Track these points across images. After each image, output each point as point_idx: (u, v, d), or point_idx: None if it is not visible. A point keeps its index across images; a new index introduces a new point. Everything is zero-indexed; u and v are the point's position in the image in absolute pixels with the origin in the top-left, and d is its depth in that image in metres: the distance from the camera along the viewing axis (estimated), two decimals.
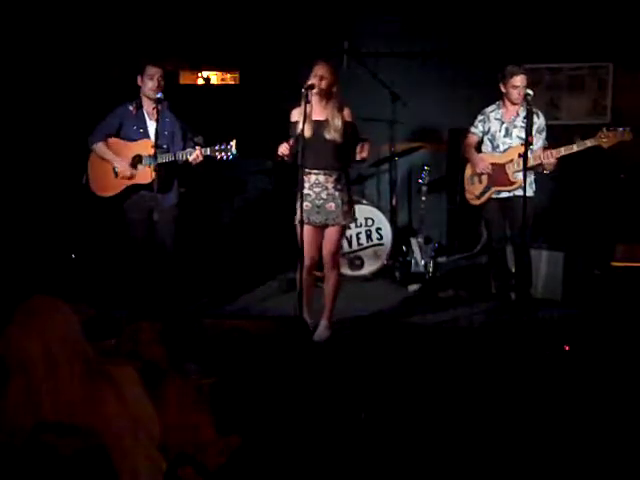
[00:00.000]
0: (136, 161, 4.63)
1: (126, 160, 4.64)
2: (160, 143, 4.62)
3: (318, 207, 4.40)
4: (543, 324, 4.72)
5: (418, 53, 6.71)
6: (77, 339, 2.21)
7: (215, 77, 7.15)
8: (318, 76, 4.30)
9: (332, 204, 4.42)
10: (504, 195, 4.89)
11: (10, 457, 2.15)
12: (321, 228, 4.49)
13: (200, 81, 7.08)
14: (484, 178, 4.93)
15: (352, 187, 6.48)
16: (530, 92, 4.45)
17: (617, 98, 6.57)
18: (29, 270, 5.40)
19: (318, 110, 4.35)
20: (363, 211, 6.12)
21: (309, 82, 4.26)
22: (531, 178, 4.81)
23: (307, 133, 4.28)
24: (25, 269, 5.41)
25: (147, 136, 4.61)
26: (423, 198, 5.99)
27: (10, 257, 5.48)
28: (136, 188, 4.65)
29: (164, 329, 3.27)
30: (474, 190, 5.01)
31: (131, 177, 4.64)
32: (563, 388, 3.73)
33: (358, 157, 4.53)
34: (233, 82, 7.12)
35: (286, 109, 4.60)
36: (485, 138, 4.97)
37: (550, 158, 4.65)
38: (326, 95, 4.36)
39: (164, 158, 4.54)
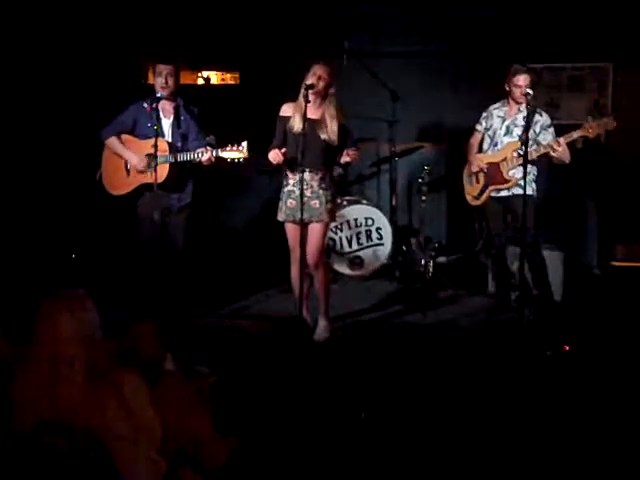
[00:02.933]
0: (149, 159, 4.59)
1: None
2: (173, 142, 4.61)
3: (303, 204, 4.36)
4: (543, 324, 4.72)
5: (418, 53, 6.71)
6: (93, 339, 2.21)
7: (215, 77, 7.15)
8: (317, 75, 4.32)
9: (316, 201, 4.44)
10: (503, 194, 4.91)
11: (11, 455, 2.15)
12: (305, 226, 4.48)
13: (200, 81, 7.08)
14: (481, 177, 4.96)
15: (352, 187, 6.62)
16: (530, 91, 4.46)
17: (617, 98, 6.56)
18: (29, 269, 5.40)
19: (312, 109, 4.35)
20: (363, 211, 6.12)
21: (309, 82, 4.27)
22: (530, 177, 4.80)
23: (299, 130, 4.28)
24: (25, 268, 5.40)
25: (161, 134, 4.53)
26: (423, 198, 5.99)
27: (10, 256, 5.48)
28: (148, 187, 4.62)
29: (164, 328, 3.27)
30: (472, 191, 5.04)
31: (143, 172, 4.60)
32: (563, 389, 3.73)
33: (343, 160, 4.54)
34: (233, 82, 7.12)
35: None
36: (486, 134, 4.99)
37: (558, 148, 4.64)
38: (322, 95, 4.38)
39: (176, 158, 4.52)
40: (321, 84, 4.33)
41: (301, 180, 4.22)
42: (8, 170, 5.86)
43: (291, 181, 4.45)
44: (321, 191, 4.44)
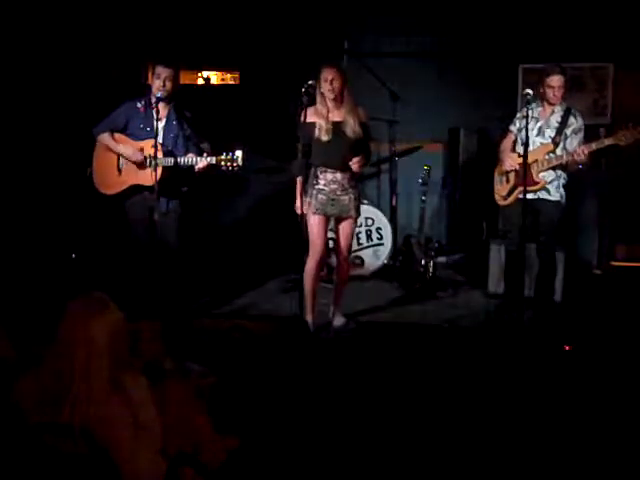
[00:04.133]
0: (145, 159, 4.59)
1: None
2: (165, 144, 4.60)
3: (333, 200, 4.54)
4: (543, 324, 4.72)
5: (418, 53, 6.72)
6: (120, 340, 2.22)
7: (215, 77, 7.16)
8: (329, 81, 4.40)
9: (346, 197, 4.57)
10: (529, 196, 4.72)
11: (12, 455, 2.15)
12: (333, 220, 4.65)
13: (200, 81, 7.09)
14: (511, 177, 4.90)
15: None
16: (530, 92, 4.44)
17: (617, 98, 6.57)
18: (29, 270, 5.40)
19: (334, 112, 4.48)
20: (363, 211, 6.08)
21: (310, 82, 4.28)
22: (559, 182, 4.77)
23: (326, 135, 4.42)
24: (25, 269, 5.40)
25: (154, 136, 4.44)
26: (423, 198, 5.99)
27: (10, 256, 5.48)
28: (138, 188, 4.62)
29: (164, 328, 3.28)
30: (501, 190, 4.99)
31: (141, 164, 4.58)
32: (563, 388, 3.73)
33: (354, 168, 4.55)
34: (233, 82, 7.13)
35: (286, 109, 4.61)
36: (519, 136, 4.90)
37: (581, 155, 4.57)
38: (339, 97, 4.46)
39: (169, 162, 4.52)
40: (336, 87, 4.41)
41: (312, 178, 4.26)
42: (9, 170, 5.86)
43: (322, 181, 4.53)
44: (351, 189, 4.58)
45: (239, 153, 4.44)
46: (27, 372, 2.24)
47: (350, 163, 4.49)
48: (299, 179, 4.59)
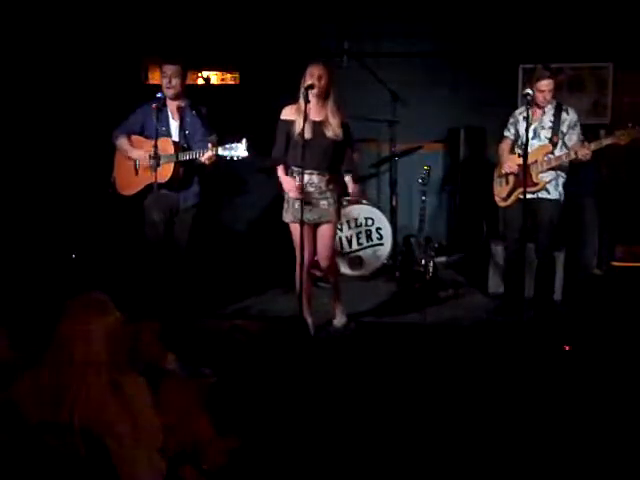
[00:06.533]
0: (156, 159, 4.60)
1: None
2: (180, 142, 4.61)
3: (311, 205, 4.38)
4: (543, 324, 4.72)
5: (418, 53, 6.72)
6: (118, 341, 2.23)
7: (215, 77, 7.16)
8: (316, 76, 4.26)
9: (324, 202, 4.44)
10: (528, 196, 4.71)
11: (12, 456, 2.15)
12: (313, 226, 4.50)
13: (200, 81, 7.08)
14: (511, 179, 4.91)
15: None
16: (529, 92, 4.44)
17: (617, 98, 6.57)
18: (29, 270, 5.40)
19: (316, 110, 4.33)
20: (363, 211, 6.12)
21: (308, 82, 4.23)
22: (557, 181, 4.78)
23: (306, 134, 4.22)
24: (25, 269, 5.40)
25: (168, 134, 4.56)
26: (423, 198, 5.99)
27: (10, 256, 5.48)
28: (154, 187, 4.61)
29: (163, 329, 3.28)
30: (501, 192, 5.00)
31: (150, 167, 4.59)
32: (563, 388, 3.73)
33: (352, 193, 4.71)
34: (233, 82, 7.12)
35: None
36: (519, 139, 4.89)
37: (587, 155, 4.60)
38: (324, 95, 4.33)
39: (178, 157, 4.52)
40: (322, 83, 4.28)
41: (301, 182, 4.23)
42: (9, 169, 5.86)
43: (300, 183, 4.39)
44: (329, 192, 4.44)
45: (243, 141, 4.38)
46: (27, 372, 2.24)
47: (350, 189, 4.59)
48: (281, 167, 4.44)
